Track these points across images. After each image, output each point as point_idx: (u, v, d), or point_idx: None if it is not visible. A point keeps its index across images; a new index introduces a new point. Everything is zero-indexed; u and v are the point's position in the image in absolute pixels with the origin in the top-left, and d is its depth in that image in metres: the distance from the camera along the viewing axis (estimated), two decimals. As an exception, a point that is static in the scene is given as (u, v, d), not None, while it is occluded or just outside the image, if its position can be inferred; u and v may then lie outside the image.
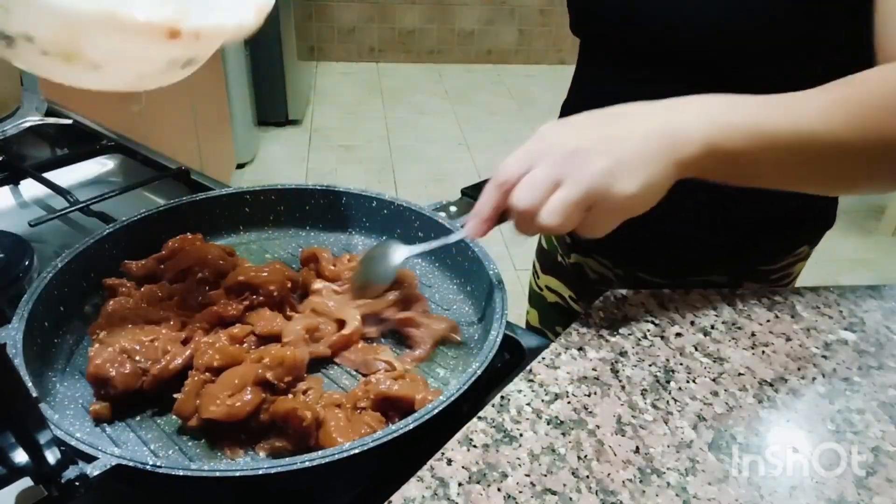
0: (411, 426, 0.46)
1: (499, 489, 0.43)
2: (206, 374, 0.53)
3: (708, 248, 0.76)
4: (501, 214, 0.54)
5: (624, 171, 0.48)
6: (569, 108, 0.86)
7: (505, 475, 0.44)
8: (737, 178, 0.53)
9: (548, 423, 0.48)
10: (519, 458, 0.45)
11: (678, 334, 0.56)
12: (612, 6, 0.69)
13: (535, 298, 1.01)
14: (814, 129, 0.50)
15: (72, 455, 0.42)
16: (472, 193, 0.72)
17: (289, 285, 0.63)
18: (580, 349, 0.54)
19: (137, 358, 0.53)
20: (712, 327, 0.57)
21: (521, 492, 0.43)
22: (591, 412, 0.49)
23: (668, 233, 0.75)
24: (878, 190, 0.57)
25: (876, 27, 0.55)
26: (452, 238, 0.62)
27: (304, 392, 0.54)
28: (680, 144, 0.49)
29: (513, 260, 2.47)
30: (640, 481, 0.44)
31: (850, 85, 0.52)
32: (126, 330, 0.57)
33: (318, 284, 0.65)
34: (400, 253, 0.62)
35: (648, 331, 0.57)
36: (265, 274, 0.62)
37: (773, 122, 0.50)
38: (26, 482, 0.41)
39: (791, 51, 0.62)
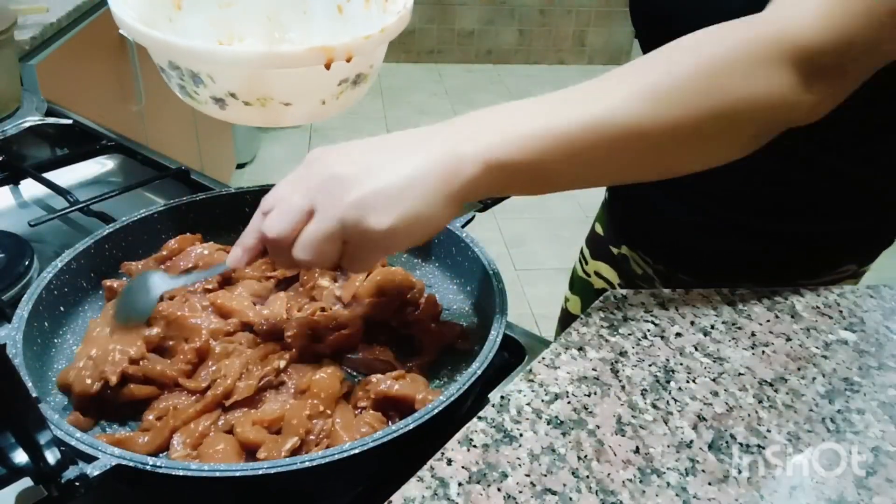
0: (411, 426, 0.46)
1: (499, 489, 0.43)
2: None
3: (742, 254, 0.73)
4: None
5: (380, 202, 0.44)
6: None
7: (505, 475, 0.44)
8: (536, 188, 0.49)
9: (548, 423, 0.48)
10: (519, 458, 0.45)
11: (678, 334, 0.56)
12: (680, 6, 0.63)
13: (579, 285, 0.98)
14: (618, 116, 0.46)
15: (72, 455, 0.42)
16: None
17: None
18: (580, 349, 0.54)
19: (96, 364, 0.53)
20: (712, 327, 0.57)
21: (521, 492, 0.43)
22: (591, 412, 0.49)
23: (705, 239, 0.72)
24: (727, 158, 0.52)
25: None
26: (215, 271, 0.59)
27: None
28: (455, 169, 0.45)
29: (513, 260, 2.47)
30: (640, 481, 0.44)
31: (662, 59, 0.48)
32: (103, 337, 0.57)
33: (323, 281, 0.65)
34: (160, 285, 0.58)
35: (648, 331, 0.57)
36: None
37: (575, 118, 0.46)
38: (26, 482, 0.41)
39: None
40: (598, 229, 0.95)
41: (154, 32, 0.58)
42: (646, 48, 0.67)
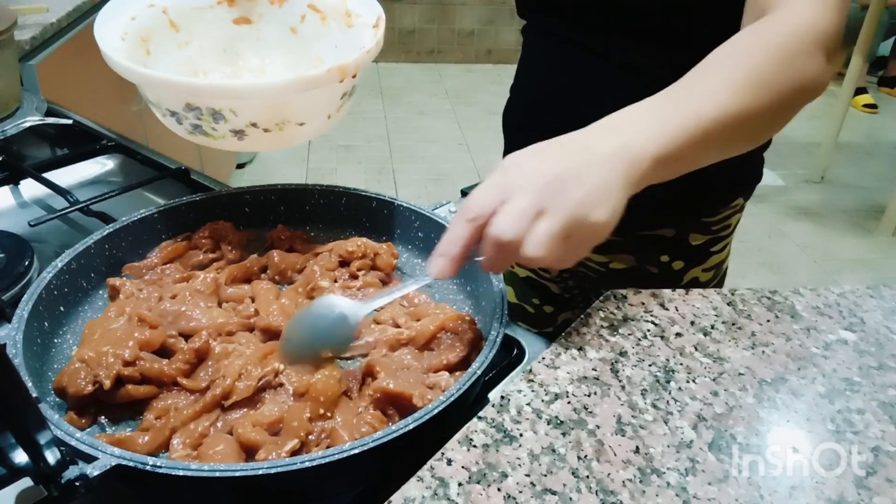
0: (411, 426, 0.46)
1: (499, 489, 0.43)
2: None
3: (654, 203, 0.79)
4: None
5: (597, 198, 0.49)
6: (520, 89, 0.91)
7: (505, 475, 0.44)
8: (680, 172, 0.56)
9: (548, 423, 0.48)
10: (519, 458, 0.45)
11: (678, 334, 0.56)
12: None
13: (508, 276, 1.05)
14: (735, 106, 0.53)
15: (72, 455, 0.42)
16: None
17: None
18: (580, 349, 0.54)
19: (90, 367, 0.53)
20: (712, 327, 0.57)
21: (521, 492, 0.43)
22: (591, 412, 0.49)
23: None
24: (766, 139, 0.65)
25: None
26: (417, 284, 0.58)
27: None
28: (635, 165, 0.51)
29: (513, 260, 2.46)
30: (640, 481, 0.44)
31: (742, 56, 0.56)
32: (98, 338, 0.57)
33: (323, 282, 0.65)
34: (356, 311, 0.55)
35: (648, 331, 0.57)
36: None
37: (702, 112, 0.53)
38: (26, 482, 0.41)
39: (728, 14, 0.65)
40: None
41: (179, 77, 0.60)
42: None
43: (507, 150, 0.94)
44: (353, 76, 0.64)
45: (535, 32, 0.86)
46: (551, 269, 0.50)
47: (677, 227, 0.84)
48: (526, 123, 0.88)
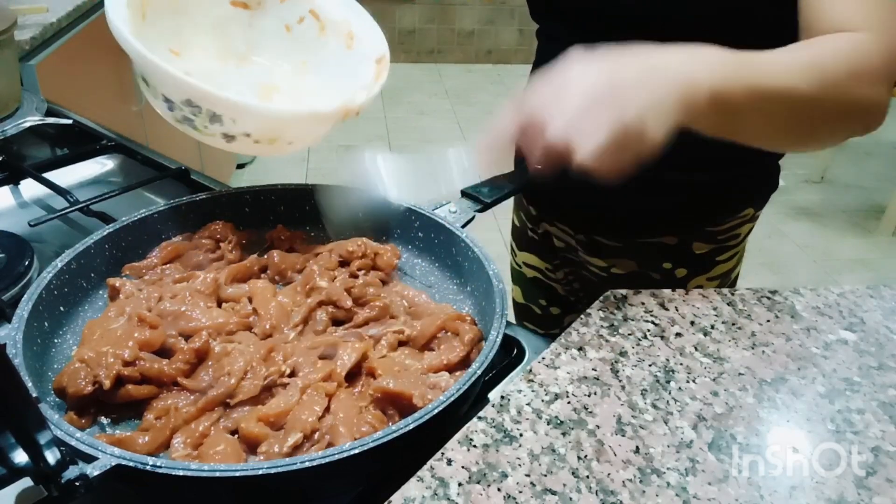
0: (411, 426, 0.46)
1: (499, 489, 0.43)
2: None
3: (656, 212, 0.82)
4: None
5: (656, 114, 0.49)
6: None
7: (505, 475, 0.44)
8: (726, 130, 0.55)
9: (548, 423, 0.47)
10: (519, 458, 0.45)
11: (678, 334, 0.56)
12: None
13: (515, 276, 1.05)
14: (792, 85, 0.53)
15: (72, 455, 0.42)
16: (472, 193, 0.72)
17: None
18: (580, 349, 0.54)
19: (90, 367, 0.53)
20: (712, 327, 0.57)
21: (521, 492, 0.43)
22: (591, 412, 0.49)
23: (618, 200, 0.79)
24: (827, 146, 0.63)
25: (800, 6, 0.60)
26: (461, 179, 0.59)
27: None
28: (692, 93, 0.50)
29: (513, 260, 2.46)
30: (640, 481, 0.44)
31: (812, 48, 0.56)
32: (98, 338, 0.57)
33: (322, 282, 0.65)
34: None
35: (648, 331, 0.57)
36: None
37: (764, 75, 0.52)
38: (26, 482, 0.41)
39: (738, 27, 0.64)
40: (516, 220, 1.01)
41: (197, 82, 0.59)
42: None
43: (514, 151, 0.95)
44: (357, 114, 0.65)
45: (546, 36, 0.86)
46: (599, 179, 0.49)
47: (680, 235, 0.83)
48: None
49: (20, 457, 0.38)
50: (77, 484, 0.41)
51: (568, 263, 0.96)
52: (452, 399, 0.48)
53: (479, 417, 0.48)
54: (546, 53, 0.86)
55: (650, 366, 0.53)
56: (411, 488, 0.43)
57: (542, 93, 0.50)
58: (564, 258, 0.95)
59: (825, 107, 0.55)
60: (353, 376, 0.57)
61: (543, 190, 0.90)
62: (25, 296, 0.57)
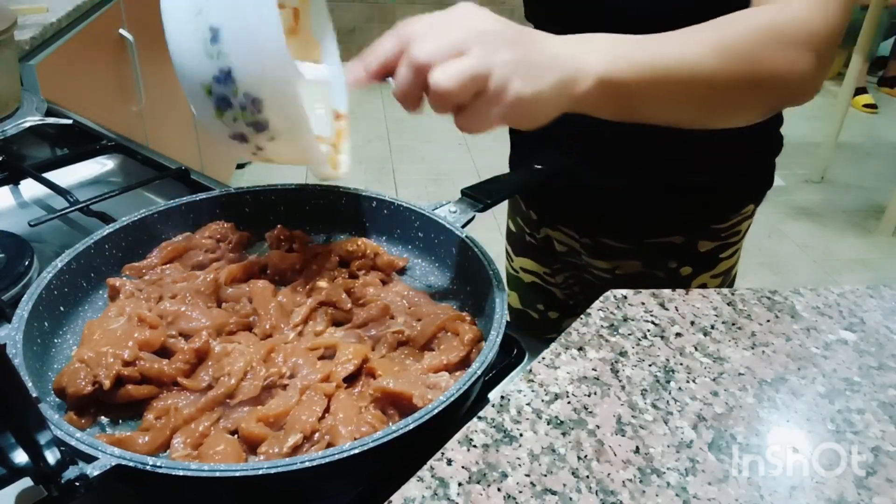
0: (411, 426, 0.46)
1: (499, 489, 0.43)
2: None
3: (663, 212, 0.82)
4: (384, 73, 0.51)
5: (527, 71, 0.48)
6: None
7: (505, 475, 0.44)
8: (625, 114, 0.55)
9: (548, 423, 0.48)
10: (519, 458, 0.45)
11: (678, 334, 0.56)
12: None
13: (512, 281, 1.05)
14: (696, 63, 0.53)
15: (72, 455, 0.42)
16: (472, 194, 0.72)
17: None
18: (580, 349, 0.54)
19: (89, 367, 0.53)
20: (712, 327, 0.57)
21: (521, 492, 0.43)
22: (591, 412, 0.49)
23: (625, 201, 0.81)
24: (746, 121, 0.60)
25: None
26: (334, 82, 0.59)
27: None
28: (579, 77, 0.50)
29: (513, 260, 2.46)
30: (640, 481, 0.44)
31: (721, 23, 0.55)
32: (98, 338, 0.57)
33: (322, 282, 0.65)
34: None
35: (648, 331, 0.57)
36: None
37: (661, 56, 0.52)
38: (26, 482, 0.41)
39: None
40: (512, 226, 1.01)
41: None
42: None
43: (515, 151, 0.94)
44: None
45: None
46: (455, 122, 0.50)
47: (686, 235, 0.84)
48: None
49: (20, 457, 0.38)
50: (77, 484, 0.41)
51: (569, 267, 0.96)
52: (452, 399, 0.48)
53: (479, 417, 0.48)
54: None
55: (650, 366, 0.53)
56: (411, 488, 0.43)
57: (423, 24, 0.50)
58: (566, 262, 0.95)
59: (731, 80, 0.54)
60: (352, 376, 0.57)
61: (547, 193, 0.90)
62: (25, 296, 0.57)
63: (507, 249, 1.05)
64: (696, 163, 0.80)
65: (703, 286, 0.87)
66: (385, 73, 0.51)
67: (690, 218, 0.83)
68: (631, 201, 0.82)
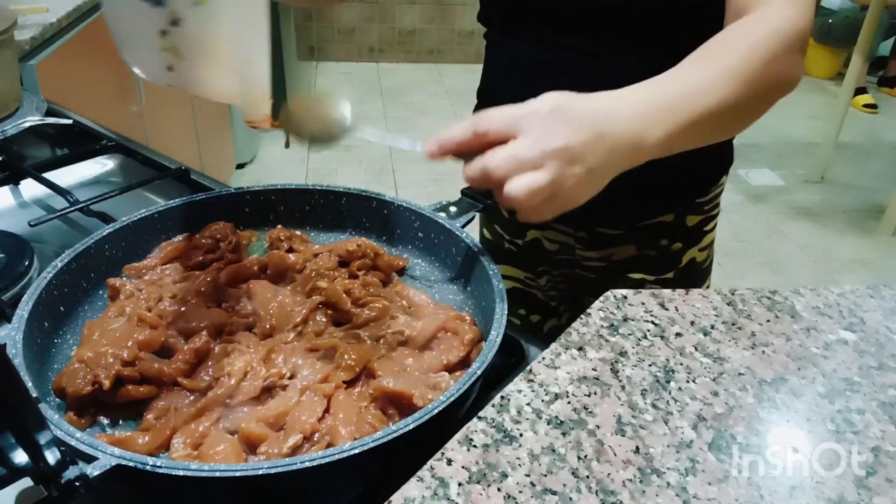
0: (411, 426, 0.46)
1: (499, 489, 0.43)
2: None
3: (653, 193, 0.85)
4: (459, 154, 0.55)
5: (591, 181, 0.53)
6: (488, 93, 0.91)
7: (505, 475, 0.44)
8: (666, 155, 0.59)
9: (548, 423, 0.47)
10: (519, 458, 0.45)
11: (678, 334, 0.56)
12: None
13: None
14: (722, 98, 0.57)
15: (72, 455, 0.42)
16: (472, 194, 0.72)
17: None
18: (580, 349, 0.54)
19: (89, 367, 0.53)
20: (712, 327, 0.57)
21: (521, 492, 0.43)
22: (591, 412, 0.49)
23: (619, 189, 0.79)
24: (758, 118, 0.66)
25: None
26: (404, 144, 0.60)
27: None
28: (637, 155, 0.55)
29: (513, 260, 2.46)
30: (640, 481, 0.44)
31: (728, 48, 0.60)
32: (97, 338, 0.57)
33: (321, 282, 0.65)
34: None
35: (648, 331, 0.57)
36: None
37: (698, 106, 0.57)
38: (26, 482, 0.41)
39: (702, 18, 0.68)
40: (488, 234, 1.01)
41: None
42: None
43: None
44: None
45: (499, 35, 0.87)
46: (519, 217, 0.54)
47: (676, 212, 0.87)
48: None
49: (20, 457, 0.38)
50: (77, 484, 0.41)
51: (557, 265, 0.96)
52: (452, 399, 0.48)
53: (479, 417, 0.48)
54: (500, 53, 0.87)
55: (650, 366, 0.53)
56: (411, 488, 0.43)
57: (502, 118, 0.53)
58: (554, 261, 0.95)
59: (753, 98, 0.60)
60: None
61: None
62: (25, 296, 0.57)
63: None
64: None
65: (693, 260, 0.90)
66: (457, 154, 0.55)
67: (679, 194, 0.87)
68: (627, 186, 0.83)
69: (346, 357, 0.57)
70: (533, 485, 0.43)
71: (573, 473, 0.44)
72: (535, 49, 0.80)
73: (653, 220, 0.87)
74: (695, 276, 0.92)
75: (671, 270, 0.90)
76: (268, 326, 0.61)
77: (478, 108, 0.92)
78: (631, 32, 0.74)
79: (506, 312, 0.57)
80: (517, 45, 0.83)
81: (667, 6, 0.72)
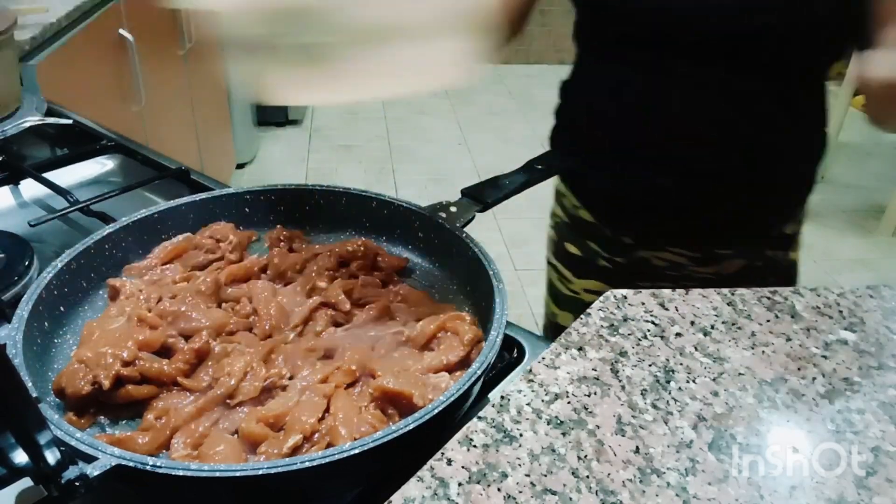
0: (411, 426, 0.46)
1: (499, 489, 0.43)
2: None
3: (770, 210, 0.86)
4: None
5: None
6: (573, 114, 0.90)
7: (505, 475, 0.44)
8: None
9: (548, 423, 0.47)
10: (519, 458, 0.45)
11: (678, 334, 0.56)
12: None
13: (568, 302, 0.99)
14: None
15: (72, 455, 0.42)
16: (472, 194, 0.72)
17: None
18: (580, 349, 0.54)
19: (88, 367, 0.53)
20: (712, 327, 0.57)
21: (521, 492, 0.43)
22: (591, 412, 0.49)
23: (742, 211, 0.85)
24: None
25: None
26: None
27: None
28: None
29: (513, 260, 2.46)
30: (640, 481, 0.44)
31: None
32: (97, 339, 0.56)
33: (321, 282, 0.65)
34: None
35: (648, 331, 0.57)
36: None
37: None
38: (26, 482, 0.41)
39: (804, 43, 0.70)
40: (576, 250, 0.95)
41: None
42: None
43: (568, 172, 0.93)
44: None
45: (598, 51, 0.85)
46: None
47: (779, 225, 0.89)
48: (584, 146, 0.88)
49: (20, 457, 0.38)
50: (77, 484, 0.41)
51: (663, 279, 0.92)
52: (452, 399, 0.48)
53: (479, 417, 0.48)
54: (596, 75, 0.86)
55: (650, 366, 0.53)
56: (411, 488, 0.43)
57: None
58: (661, 275, 0.91)
59: None
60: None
61: (651, 216, 0.88)
62: (25, 296, 0.57)
63: (559, 270, 0.99)
64: (772, 157, 0.83)
65: (793, 263, 0.92)
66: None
67: (784, 209, 0.88)
68: (751, 208, 0.85)
69: (345, 357, 0.57)
70: (533, 485, 0.43)
71: (573, 473, 0.44)
72: (639, 73, 0.78)
73: (757, 236, 0.88)
74: (794, 276, 0.93)
75: (773, 276, 0.90)
76: (268, 326, 0.61)
77: (557, 128, 0.92)
78: (743, 56, 0.73)
79: (506, 312, 0.57)
80: (617, 68, 0.81)
81: (785, 28, 0.70)
